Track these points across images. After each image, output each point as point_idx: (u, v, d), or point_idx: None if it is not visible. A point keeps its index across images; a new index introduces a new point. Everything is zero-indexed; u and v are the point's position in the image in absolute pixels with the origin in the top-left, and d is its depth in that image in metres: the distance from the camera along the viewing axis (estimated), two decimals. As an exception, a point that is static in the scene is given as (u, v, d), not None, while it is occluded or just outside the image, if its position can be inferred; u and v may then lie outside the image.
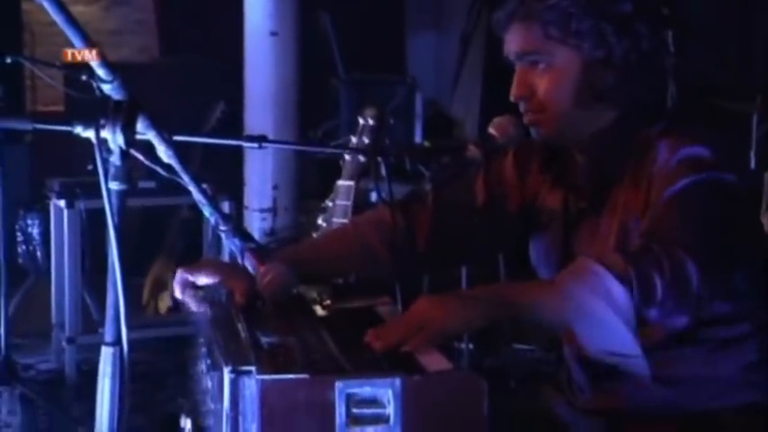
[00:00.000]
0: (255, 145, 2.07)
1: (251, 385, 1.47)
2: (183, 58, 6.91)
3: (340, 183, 2.53)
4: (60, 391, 4.39)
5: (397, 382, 1.48)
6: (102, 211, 1.51)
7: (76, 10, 5.59)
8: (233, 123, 5.07)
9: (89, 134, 1.53)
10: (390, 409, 1.48)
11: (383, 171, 2.02)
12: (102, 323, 1.54)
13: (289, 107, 5.23)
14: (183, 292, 1.97)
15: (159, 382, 4.37)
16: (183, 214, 5.06)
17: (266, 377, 1.47)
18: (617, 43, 1.87)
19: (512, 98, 1.96)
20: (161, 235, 5.13)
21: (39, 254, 4.86)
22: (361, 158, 2.49)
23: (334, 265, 2.06)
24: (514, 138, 2.02)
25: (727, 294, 1.85)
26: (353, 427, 1.48)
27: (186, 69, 6.29)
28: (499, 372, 4.42)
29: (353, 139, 2.53)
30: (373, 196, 3.36)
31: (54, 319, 4.67)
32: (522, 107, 1.97)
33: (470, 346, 4.40)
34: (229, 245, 2.02)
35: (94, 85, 1.90)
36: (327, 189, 2.57)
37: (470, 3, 6.45)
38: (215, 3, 6.53)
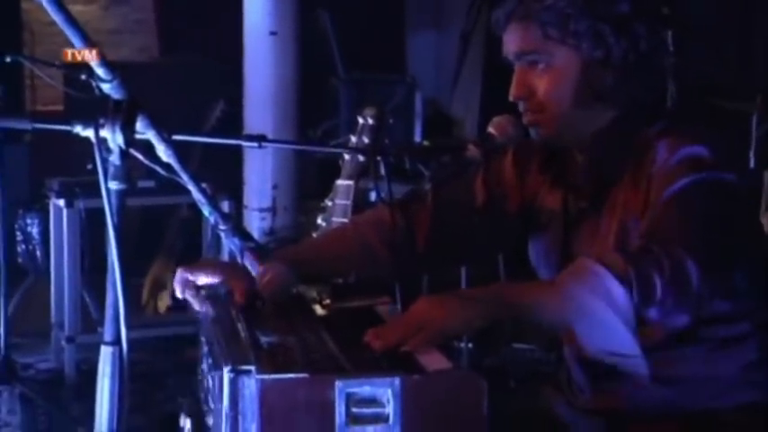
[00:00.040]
0: (255, 144, 2.07)
1: (250, 385, 1.47)
2: (182, 57, 6.91)
3: (339, 182, 2.53)
4: (60, 390, 4.39)
5: (397, 381, 1.48)
6: (102, 210, 1.51)
7: (76, 9, 5.59)
8: (232, 123, 5.07)
9: (88, 133, 1.53)
10: (390, 409, 1.48)
11: (383, 170, 2.02)
12: (101, 322, 1.54)
13: (288, 106, 5.22)
14: (183, 292, 1.97)
15: (158, 382, 4.38)
16: (182, 214, 5.06)
17: (266, 377, 1.47)
18: (615, 43, 1.87)
19: (511, 98, 1.97)
20: (160, 234, 5.13)
21: (38, 253, 4.86)
22: (361, 158, 2.49)
23: (334, 264, 2.06)
24: (514, 137, 2.02)
25: (727, 293, 1.85)
26: (353, 427, 1.48)
27: (185, 69, 6.29)
28: (499, 371, 4.42)
29: (353, 139, 2.53)
30: (373, 196, 3.36)
31: (53, 319, 4.67)
32: (521, 107, 1.97)
33: (470, 345, 4.40)
34: (229, 244, 2.02)
35: (94, 84, 1.90)
36: (327, 188, 2.57)
37: (470, 2, 6.45)
38: (214, 2, 6.53)
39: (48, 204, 4.70)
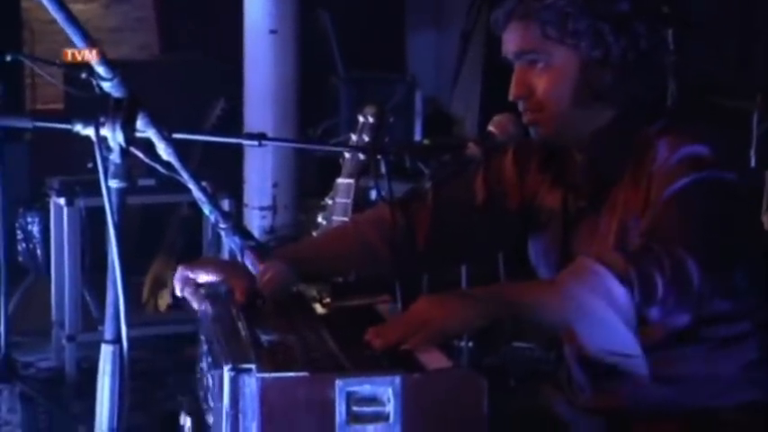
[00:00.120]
0: (255, 143, 2.07)
1: (251, 383, 1.47)
2: (182, 55, 6.91)
3: (340, 181, 2.53)
4: (60, 388, 4.39)
5: (397, 380, 1.48)
6: (102, 208, 1.50)
7: (76, 8, 5.59)
8: (233, 121, 5.07)
9: (89, 132, 1.53)
10: (390, 407, 1.48)
11: (383, 169, 2.02)
12: (101, 321, 1.53)
13: (288, 105, 5.22)
14: (183, 290, 1.97)
15: (159, 380, 4.38)
16: (182, 212, 5.06)
17: (266, 375, 1.47)
18: (614, 42, 1.87)
19: (510, 98, 1.96)
20: (161, 233, 5.12)
21: (38, 252, 4.86)
22: (361, 156, 2.49)
23: (334, 263, 2.06)
24: (514, 136, 2.01)
25: (728, 293, 1.85)
26: (353, 425, 1.48)
27: (186, 67, 6.29)
28: (499, 370, 4.41)
29: (353, 137, 2.53)
30: (373, 194, 3.36)
31: (54, 317, 4.67)
32: (520, 106, 1.97)
33: (470, 344, 4.40)
34: (229, 243, 2.02)
35: (94, 82, 1.90)
36: (327, 187, 2.57)
37: (470, 1, 6.45)
38: (215, 1, 6.53)
39: (48, 203, 4.70)
